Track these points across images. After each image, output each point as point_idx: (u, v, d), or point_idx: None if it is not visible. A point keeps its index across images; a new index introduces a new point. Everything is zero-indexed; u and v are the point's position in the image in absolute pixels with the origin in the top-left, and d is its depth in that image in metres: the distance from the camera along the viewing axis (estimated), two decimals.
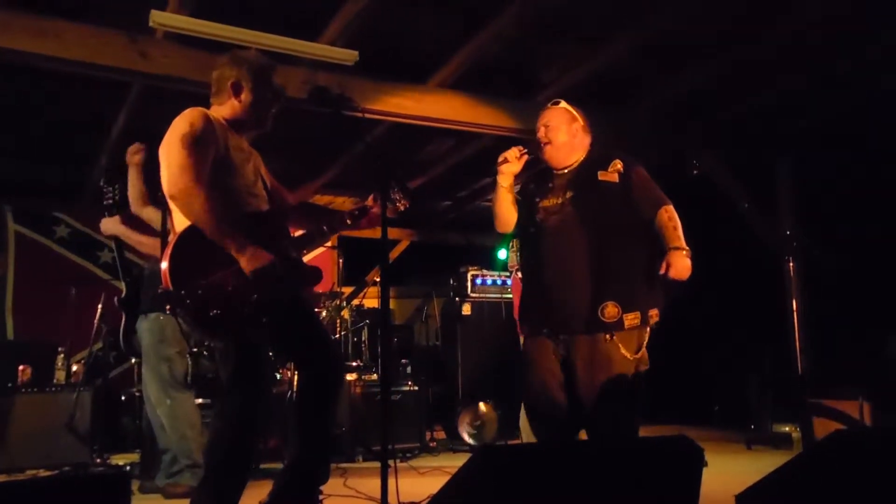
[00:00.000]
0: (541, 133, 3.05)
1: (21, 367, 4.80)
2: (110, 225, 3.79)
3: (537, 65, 4.86)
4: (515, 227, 3.09)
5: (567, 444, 2.72)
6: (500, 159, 3.02)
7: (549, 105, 3.13)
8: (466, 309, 6.47)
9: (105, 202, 3.78)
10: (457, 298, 6.53)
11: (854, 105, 5.33)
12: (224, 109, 2.65)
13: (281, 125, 2.89)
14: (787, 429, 5.39)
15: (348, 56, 4.26)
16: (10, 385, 4.70)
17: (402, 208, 2.82)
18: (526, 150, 3.02)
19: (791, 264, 3.81)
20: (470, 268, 6.61)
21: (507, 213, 3.06)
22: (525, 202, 3.08)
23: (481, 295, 6.50)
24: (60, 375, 4.96)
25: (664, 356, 6.43)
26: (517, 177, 3.08)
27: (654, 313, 2.85)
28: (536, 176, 3.15)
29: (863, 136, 5.41)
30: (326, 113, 2.73)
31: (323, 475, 2.63)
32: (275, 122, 2.77)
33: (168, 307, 2.29)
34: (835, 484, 1.63)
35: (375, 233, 2.53)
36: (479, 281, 6.56)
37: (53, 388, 4.76)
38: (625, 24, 4.26)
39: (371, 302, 6.23)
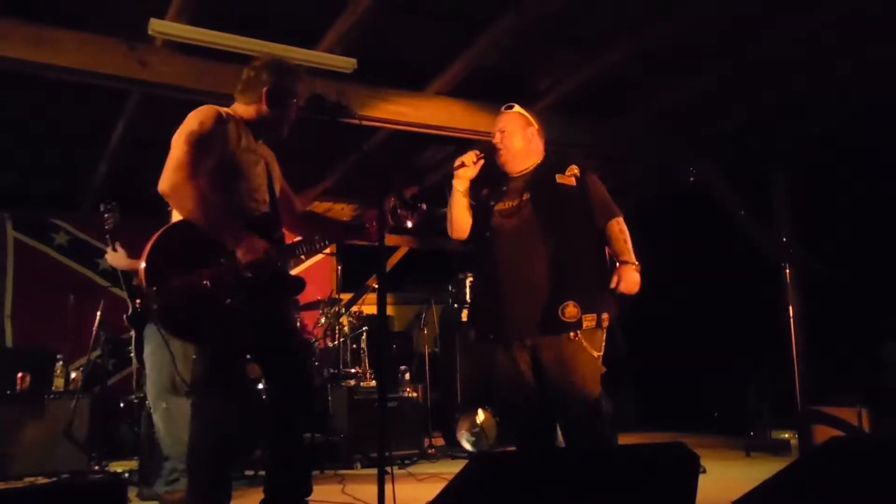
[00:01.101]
0: (496, 138, 3.04)
1: (20, 375, 4.79)
2: (118, 260, 3.76)
3: (535, 72, 4.88)
4: (470, 234, 3.06)
5: (562, 451, 2.72)
6: (457, 163, 3.00)
7: (503, 109, 3.11)
8: (465, 315, 6.46)
9: (106, 226, 3.78)
10: (455, 305, 6.52)
11: (853, 113, 5.35)
12: (248, 110, 2.65)
13: None
14: (786, 435, 5.37)
15: (346, 64, 4.28)
16: (8, 392, 4.70)
17: (409, 224, 2.81)
18: (483, 155, 3.00)
19: (787, 271, 3.81)
20: (468, 274, 6.59)
21: (462, 218, 3.04)
22: (479, 207, 3.06)
23: None
24: (59, 383, 4.95)
25: (664, 362, 6.45)
26: (472, 181, 3.05)
27: (605, 317, 2.84)
28: (490, 181, 3.11)
29: (861, 144, 5.42)
30: (324, 120, 2.74)
31: (303, 487, 2.62)
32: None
33: (138, 302, 2.29)
34: (831, 491, 1.64)
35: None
36: None
37: (52, 396, 4.76)
38: (623, 32, 4.28)
39: (370, 308, 6.22)
